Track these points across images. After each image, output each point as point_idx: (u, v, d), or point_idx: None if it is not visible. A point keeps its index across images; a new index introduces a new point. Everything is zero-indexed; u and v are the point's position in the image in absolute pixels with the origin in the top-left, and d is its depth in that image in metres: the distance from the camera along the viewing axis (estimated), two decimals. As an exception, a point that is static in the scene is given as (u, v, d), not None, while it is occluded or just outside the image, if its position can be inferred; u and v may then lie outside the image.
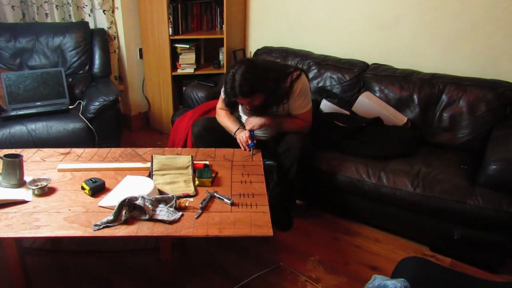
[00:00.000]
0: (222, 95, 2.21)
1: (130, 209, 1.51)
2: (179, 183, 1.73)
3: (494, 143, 2.05)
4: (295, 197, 2.30)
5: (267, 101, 2.00)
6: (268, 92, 1.96)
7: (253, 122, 2.08)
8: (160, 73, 3.19)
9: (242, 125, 2.18)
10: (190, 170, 1.81)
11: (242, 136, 2.09)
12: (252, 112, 2.09)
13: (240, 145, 2.10)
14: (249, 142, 2.06)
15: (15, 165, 1.66)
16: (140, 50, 3.31)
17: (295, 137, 2.07)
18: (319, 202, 2.45)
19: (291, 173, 2.08)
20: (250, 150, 2.06)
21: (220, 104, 2.28)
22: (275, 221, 2.17)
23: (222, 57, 3.18)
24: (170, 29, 2.98)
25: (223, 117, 2.23)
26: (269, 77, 1.95)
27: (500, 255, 1.93)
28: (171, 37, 3.01)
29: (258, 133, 2.20)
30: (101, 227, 1.44)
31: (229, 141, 2.16)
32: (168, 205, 1.54)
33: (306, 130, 2.18)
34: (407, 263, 1.38)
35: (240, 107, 2.22)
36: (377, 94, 2.54)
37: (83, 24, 2.98)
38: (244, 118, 2.23)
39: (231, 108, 2.21)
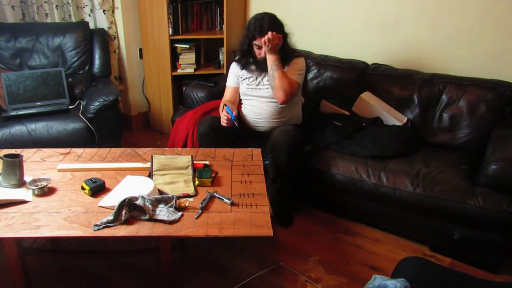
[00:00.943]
0: (228, 82, 2.37)
1: (130, 209, 1.51)
2: (179, 183, 1.73)
3: (494, 143, 2.05)
4: (291, 193, 2.30)
5: (280, 50, 2.13)
6: (284, 44, 2.14)
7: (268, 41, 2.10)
8: (160, 73, 3.19)
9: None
10: (190, 170, 1.81)
11: (222, 116, 2.16)
12: (259, 64, 2.19)
13: (223, 123, 2.16)
14: (230, 117, 2.12)
15: (15, 165, 1.65)
16: (140, 50, 3.31)
17: (281, 136, 2.10)
18: (319, 202, 2.45)
19: (283, 172, 2.10)
20: (234, 124, 2.12)
21: (224, 95, 2.38)
22: (275, 218, 2.21)
23: (222, 57, 3.18)
24: (170, 29, 2.98)
25: (220, 110, 2.28)
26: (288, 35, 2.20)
27: (500, 255, 1.94)
28: (171, 37, 3.01)
29: (257, 124, 2.28)
30: (101, 227, 1.44)
31: (233, 141, 2.16)
32: (168, 205, 1.54)
33: (289, 93, 2.14)
34: (407, 263, 1.38)
35: (240, 82, 2.32)
36: (377, 94, 2.54)
37: (83, 24, 2.98)
38: (242, 90, 2.33)
39: (244, 60, 2.27)
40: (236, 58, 2.34)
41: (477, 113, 2.28)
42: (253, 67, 2.27)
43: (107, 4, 3.07)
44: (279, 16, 2.21)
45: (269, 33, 2.05)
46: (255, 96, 2.28)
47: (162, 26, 2.98)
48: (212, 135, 2.19)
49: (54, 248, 1.97)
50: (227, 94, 2.37)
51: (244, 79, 2.31)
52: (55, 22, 3.01)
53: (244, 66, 2.29)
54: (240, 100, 2.40)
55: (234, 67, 2.35)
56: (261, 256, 2.04)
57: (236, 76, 2.35)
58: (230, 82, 2.38)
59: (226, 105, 2.18)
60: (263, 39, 2.06)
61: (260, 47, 2.15)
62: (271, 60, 2.11)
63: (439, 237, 2.06)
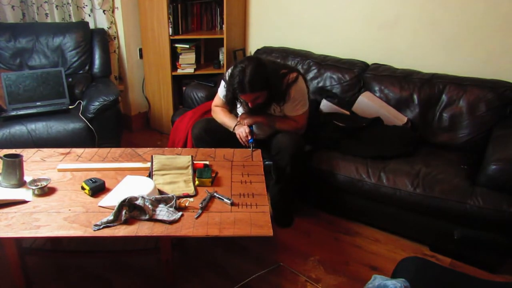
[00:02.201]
0: (220, 93, 2.23)
1: (130, 209, 1.51)
2: (179, 183, 1.73)
3: (494, 143, 2.05)
4: (293, 195, 2.30)
5: (269, 99, 2.03)
6: (273, 91, 1.99)
7: (247, 118, 2.10)
8: (160, 73, 3.19)
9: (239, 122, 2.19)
10: (190, 170, 1.81)
11: (241, 132, 2.09)
12: (252, 110, 2.09)
13: (240, 140, 2.10)
14: (249, 138, 2.07)
15: (15, 165, 1.65)
16: (140, 50, 3.31)
17: (286, 138, 2.08)
18: (319, 202, 2.45)
19: (286, 173, 2.09)
20: (249, 146, 2.05)
21: (216, 101, 2.29)
22: (275, 219, 2.21)
23: (222, 57, 3.18)
24: (170, 29, 2.98)
25: (220, 114, 2.24)
26: (275, 76, 2.00)
27: (500, 255, 1.94)
28: (171, 37, 3.01)
29: (257, 135, 2.21)
30: (101, 227, 1.44)
31: (228, 142, 2.16)
32: (168, 205, 1.54)
33: (299, 131, 2.18)
34: (407, 263, 1.38)
35: (238, 105, 2.22)
36: (377, 94, 2.54)
37: (83, 24, 2.98)
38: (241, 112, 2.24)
39: (231, 105, 2.20)
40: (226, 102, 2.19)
41: (477, 113, 2.28)
42: (244, 108, 2.15)
43: (107, 4, 3.07)
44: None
45: (243, 131, 2.05)
46: None
47: (162, 26, 2.98)
48: (206, 137, 2.17)
49: (54, 248, 1.98)
50: (219, 103, 2.25)
51: (241, 104, 2.18)
52: (55, 22, 3.01)
53: (232, 107, 2.20)
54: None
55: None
56: (261, 256, 2.04)
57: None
58: (223, 96, 2.20)
59: (251, 126, 2.11)
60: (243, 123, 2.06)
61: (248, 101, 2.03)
62: (262, 124, 2.10)
63: (439, 237, 2.06)
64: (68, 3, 3.01)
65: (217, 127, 2.24)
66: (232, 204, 1.60)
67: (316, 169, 2.22)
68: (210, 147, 2.11)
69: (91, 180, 1.67)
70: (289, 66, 2.27)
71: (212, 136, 2.18)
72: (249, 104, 2.03)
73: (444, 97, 2.37)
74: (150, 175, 1.77)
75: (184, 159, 1.86)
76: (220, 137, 2.19)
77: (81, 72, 2.92)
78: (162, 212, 1.50)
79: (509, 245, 1.87)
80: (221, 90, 2.21)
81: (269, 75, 1.95)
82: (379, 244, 2.17)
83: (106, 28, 3.09)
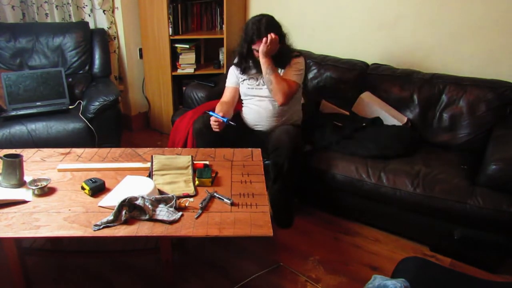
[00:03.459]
0: (227, 83, 2.35)
1: (130, 209, 1.51)
2: (179, 183, 1.73)
3: (494, 143, 2.05)
4: (291, 194, 2.30)
5: (277, 54, 2.13)
6: (282, 46, 2.14)
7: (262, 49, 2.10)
8: (160, 73, 3.19)
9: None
10: (190, 170, 1.81)
11: (212, 123, 2.12)
12: (259, 65, 2.15)
13: (215, 129, 2.11)
14: (220, 121, 2.07)
15: (15, 165, 1.65)
16: (140, 50, 3.31)
17: (283, 135, 2.09)
18: (319, 202, 2.45)
19: (284, 172, 2.09)
20: (230, 124, 2.09)
21: (223, 97, 2.36)
22: (275, 219, 2.21)
23: (222, 57, 3.18)
24: (170, 29, 2.98)
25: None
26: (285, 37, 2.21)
27: (500, 255, 1.94)
28: (171, 37, 3.01)
29: (257, 123, 2.28)
30: (101, 227, 1.44)
31: (228, 139, 2.16)
32: (168, 205, 1.54)
33: (288, 94, 2.15)
34: (407, 263, 1.38)
35: (240, 83, 2.32)
36: (377, 94, 2.54)
37: (83, 24, 2.98)
38: (243, 90, 2.32)
39: (243, 64, 2.26)
40: (235, 62, 2.33)
41: (477, 113, 2.28)
42: (253, 70, 2.27)
43: (107, 4, 3.07)
44: (278, 17, 2.20)
45: (272, 34, 2.05)
46: (256, 96, 2.28)
47: (162, 26, 2.98)
48: (207, 132, 2.18)
49: (54, 248, 1.98)
50: (226, 95, 2.36)
51: (244, 80, 2.31)
52: (55, 22, 3.01)
53: (244, 70, 2.28)
54: (241, 100, 2.40)
55: (234, 69, 2.35)
56: (261, 256, 2.04)
57: (236, 77, 2.35)
58: (230, 83, 2.37)
59: (208, 111, 2.17)
60: (264, 38, 2.06)
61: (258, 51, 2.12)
62: (265, 64, 2.11)
63: (439, 237, 2.06)
64: (68, 3, 3.01)
65: None
66: (232, 204, 1.60)
67: (316, 169, 2.22)
68: (209, 143, 2.12)
69: (91, 180, 1.67)
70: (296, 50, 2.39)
71: (212, 132, 2.17)
72: (265, 45, 2.07)
73: (444, 97, 2.37)
74: (150, 175, 1.77)
75: (184, 159, 1.86)
76: (220, 134, 2.19)
77: (81, 72, 2.92)
78: (162, 212, 1.50)
79: (509, 245, 1.87)
80: (229, 80, 2.37)
81: (281, 28, 2.17)
82: (379, 244, 2.17)
83: (106, 28, 3.09)
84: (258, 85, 2.27)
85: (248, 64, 2.25)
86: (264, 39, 2.06)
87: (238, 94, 2.36)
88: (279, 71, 2.20)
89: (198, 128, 2.22)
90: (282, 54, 2.16)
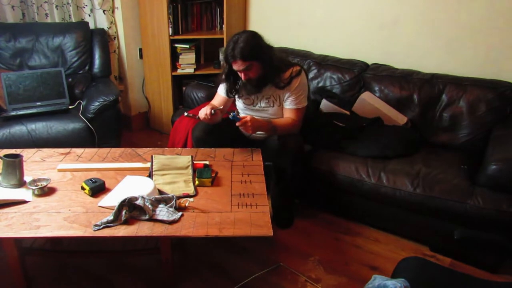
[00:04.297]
0: (218, 91, 2.23)
1: (130, 209, 1.51)
2: (179, 183, 1.73)
3: (494, 143, 2.05)
4: (293, 196, 2.30)
5: (263, 75, 2.00)
6: (267, 65, 1.98)
7: (250, 127, 1.97)
8: (160, 73, 3.19)
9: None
10: (190, 170, 1.81)
11: (203, 113, 2.02)
12: (247, 87, 2.05)
13: (203, 117, 2.03)
14: (209, 112, 1.99)
15: (15, 165, 1.66)
16: (140, 50, 3.31)
17: (286, 139, 2.07)
18: (319, 202, 2.45)
19: (287, 174, 2.09)
20: (232, 117, 1.96)
21: (214, 102, 2.25)
22: (275, 220, 2.21)
23: (222, 57, 3.17)
24: (170, 29, 2.98)
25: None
26: (271, 53, 2.00)
27: (500, 255, 1.93)
28: (171, 37, 3.01)
29: (255, 135, 2.21)
30: (101, 227, 1.44)
31: (230, 143, 2.15)
32: (168, 205, 1.54)
33: (296, 130, 2.16)
34: (407, 263, 1.38)
35: (236, 99, 2.21)
36: (377, 94, 2.54)
37: (83, 24, 2.98)
38: (240, 106, 2.23)
39: (228, 82, 2.13)
40: (222, 82, 2.18)
41: (477, 113, 2.28)
42: (243, 91, 2.13)
43: (107, 4, 3.07)
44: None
45: (248, 117, 1.93)
46: (252, 114, 2.18)
47: (162, 26, 2.98)
48: (207, 139, 2.13)
49: (54, 248, 1.98)
50: (217, 102, 2.22)
51: (240, 97, 2.19)
52: (55, 22, 3.01)
53: (235, 92, 2.15)
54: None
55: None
56: (261, 256, 2.04)
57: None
58: (222, 91, 2.21)
59: (233, 114, 1.97)
60: (237, 123, 1.94)
61: (240, 71, 1.99)
62: (262, 131, 2.05)
63: (439, 237, 2.06)
64: (68, 3, 3.01)
65: (218, 128, 2.22)
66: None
67: (316, 169, 2.22)
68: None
69: (91, 180, 1.67)
70: (292, 62, 2.25)
71: (213, 138, 2.15)
72: (242, 76, 1.99)
73: (444, 97, 2.37)
74: (150, 175, 1.77)
75: (184, 159, 1.86)
76: (221, 139, 2.17)
77: (81, 72, 2.92)
78: (162, 212, 1.50)
79: (509, 245, 1.86)
80: (221, 88, 2.22)
81: (264, 47, 1.96)
82: (379, 244, 2.16)
83: (106, 28, 3.09)
84: (254, 106, 2.18)
85: (235, 85, 2.12)
86: (238, 124, 1.94)
87: (229, 104, 2.26)
88: (277, 96, 2.10)
89: (198, 135, 2.15)
90: (271, 72, 2.01)
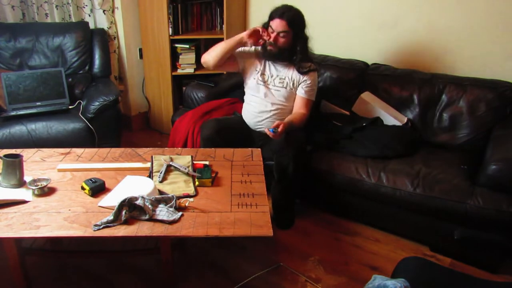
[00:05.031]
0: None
1: (130, 209, 1.51)
2: (179, 183, 1.73)
3: (494, 143, 2.05)
4: (294, 196, 2.30)
5: (290, 50, 2.14)
6: (299, 43, 2.14)
7: (277, 134, 2.00)
8: (160, 73, 3.19)
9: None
10: (190, 170, 1.81)
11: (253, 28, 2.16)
12: (268, 49, 2.15)
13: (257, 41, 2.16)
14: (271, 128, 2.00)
15: (15, 165, 1.65)
16: (140, 50, 3.31)
17: (288, 138, 2.08)
18: (319, 202, 2.45)
19: (288, 173, 2.09)
20: (273, 132, 1.99)
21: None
22: (276, 220, 2.21)
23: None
24: (170, 29, 2.98)
25: (217, 44, 2.23)
26: (307, 38, 2.18)
27: (500, 255, 1.93)
28: (171, 37, 3.01)
29: (258, 123, 2.27)
30: (101, 227, 1.44)
31: (240, 142, 2.14)
32: (168, 205, 1.54)
33: (305, 122, 2.24)
34: (407, 263, 1.38)
35: (248, 76, 2.29)
36: (377, 94, 2.54)
37: (83, 24, 2.98)
38: (251, 85, 2.27)
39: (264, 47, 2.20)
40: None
41: (477, 113, 2.28)
42: (264, 52, 2.21)
43: (107, 4, 3.07)
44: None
45: (280, 126, 1.98)
46: (261, 94, 2.26)
47: (162, 26, 2.98)
48: (217, 138, 2.15)
49: (54, 248, 1.98)
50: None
51: (256, 72, 2.26)
52: (55, 22, 3.01)
53: (264, 53, 2.22)
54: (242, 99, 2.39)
55: (257, 49, 2.29)
56: (261, 256, 2.04)
57: (248, 51, 2.29)
58: (238, 52, 2.29)
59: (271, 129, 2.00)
60: (268, 131, 1.98)
61: (273, 31, 2.11)
62: (284, 126, 2.04)
63: (439, 237, 2.06)
64: (68, 3, 3.01)
65: (229, 127, 2.22)
66: (188, 173, 1.65)
67: (316, 169, 2.22)
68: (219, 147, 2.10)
69: (91, 180, 1.67)
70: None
71: (223, 137, 2.15)
72: (273, 37, 2.09)
73: (444, 97, 2.37)
74: (150, 175, 1.77)
75: (184, 159, 1.86)
76: (232, 137, 2.18)
77: (81, 72, 2.92)
78: (162, 212, 1.50)
79: (509, 245, 1.86)
80: (240, 49, 2.31)
81: (305, 29, 2.15)
82: (379, 244, 2.16)
83: (106, 28, 3.09)
84: (267, 82, 2.25)
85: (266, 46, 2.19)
86: (269, 133, 1.99)
87: (230, 55, 2.28)
88: (293, 74, 2.20)
89: (208, 134, 2.16)
90: (298, 56, 2.16)
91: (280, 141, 2.09)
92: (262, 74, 2.26)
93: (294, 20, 2.08)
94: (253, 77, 2.28)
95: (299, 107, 2.25)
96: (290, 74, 2.23)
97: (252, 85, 2.29)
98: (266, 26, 2.17)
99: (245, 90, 2.37)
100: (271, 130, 1.98)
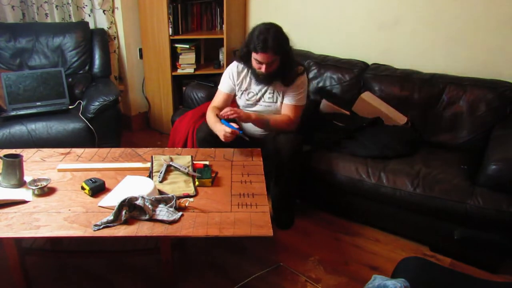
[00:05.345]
0: (221, 87, 2.24)
1: (130, 209, 1.51)
2: (179, 183, 1.73)
3: (494, 143, 2.05)
4: (292, 196, 2.30)
5: (280, 70, 2.05)
6: (286, 62, 2.04)
7: (241, 112, 2.03)
8: (160, 73, 3.19)
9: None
10: (190, 170, 1.81)
11: (222, 131, 1.95)
12: (259, 78, 2.09)
13: (226, 138, 1.95)
14: (236, 132, 1.95)
15: (15, 165, 1.65)
16: (140, 50, 3.31)
17: (284, 139, 2.07)
18: (319, 202, 2.45)
19: (285, 174, 2.09)
20: (244, 139, 2.00)
21: (214, 100, 2.25)
22: (276, 220, 2.20)
23: (222, 57, 3.18)
24: (170, 29, 2.98)
25: (212, 119, 2.10)
26: (291, 50, 2.07)
27: (500, 255, 1.93)
28: (171, 37, 3.01)
29: (255, 132, 2.22)
30: (101, 227, 1.44)
31: (235, 144, 2.13)
32: (168, 205, 1.54)
33: (292, 127, 2.16)
34: (407, 263, 1.38)
35: (238, 95, 2.23)
36: (377, 94, 2.54)
37: (83, 24, 2.98)
38: (241, 103, 2.24)
39: (244, 62, 2.13)
40: (237, 57, 2.20)
41: (477, 113, 2.28)
42: (252, 81, 2.16)
43: (107, 4, 3.07)
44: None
45: (225, 129, 1.92)
46: (254, 109, 2.21)
47: (162, 26, 2.98)
48: (212, 140, 2.12)
49: (54, 248, 1.98)
50: (218, 100, 2.23)
51: (243, 92, 2.21)
52: (55, 22, 3.01)
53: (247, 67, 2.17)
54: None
55: (233, 70, 2.21)
56: (261, 256, 2.04)
57: (232, 82, 2.22)
58: (224, 87, 2.23)
59: (222, 119, 2.01)
60: (225, 130, 1.93)
61: (260, 62, 2.00)
62: (254, 124, 2.06)
63: (439, 237, 2.06)
64: (68, 3, 3.01)
65: None
66: (188, 173, 1.65)
67: (316, 169, 2.22)
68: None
69: (91, 180, 1.67)
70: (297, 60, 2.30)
71: (218, 139, 2.14)
72: (263, 68, 2.00)
73: (444, 97, 2.37)
74: (150, 175, 1.77)
75: (184, 159, 1.86)
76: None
77: (81, 72, 2.92)
78: (162, 212, 1.50)
79: (509, 245, 1.86)
80: (223, 85, 2.24)
81: (288, 44, 2.01)
82: (379, 244, 2.16)
83: (106, 28, 3.09)
84: (258, 101, 2.19)
85: (249, 67, 2.14)
86: (226, 131, 1.92)
87: (230, 101, 2.26)
88: (280, 92, 2.14)
89: (202, 136, 2.15)
90: (287, 70, 2.08)
91: (276, 141, 2.08)
92: (250, 93, 2.20)
93: (277, 45, 1.94)
94: (244, 99, 2.23)
95: (285, 111, 2.17)
96: (277, 87, 2.15)
97: (245, 105, 2.24)
98: (245, 55, 2.06)
99: (240, 107, 2.29)
100: (230, 127, 1.93)
